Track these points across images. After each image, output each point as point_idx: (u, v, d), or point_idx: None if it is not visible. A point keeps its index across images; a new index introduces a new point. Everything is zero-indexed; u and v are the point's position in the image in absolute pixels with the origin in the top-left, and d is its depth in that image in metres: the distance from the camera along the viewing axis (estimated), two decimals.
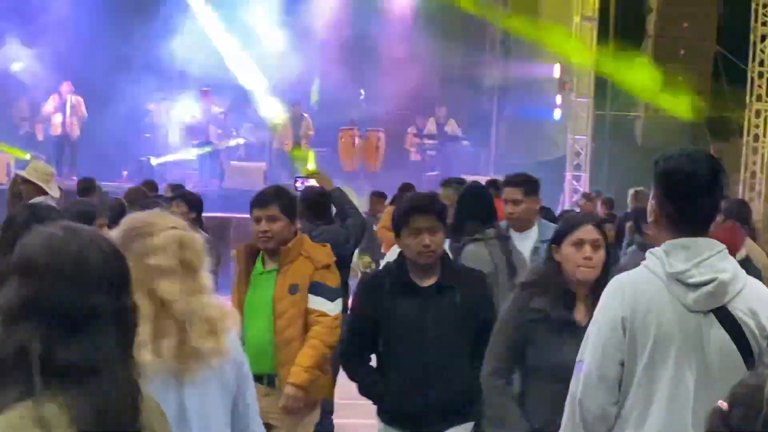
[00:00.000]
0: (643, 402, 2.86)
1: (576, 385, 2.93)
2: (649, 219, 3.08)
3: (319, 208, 6.38)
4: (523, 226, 5.51)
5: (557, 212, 12.40)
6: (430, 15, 17.55)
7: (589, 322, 3.34)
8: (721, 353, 2.85)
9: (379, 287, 4.32)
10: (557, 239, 3.92)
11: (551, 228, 5.77)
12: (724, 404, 2.03)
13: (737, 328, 2.89)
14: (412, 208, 4.31)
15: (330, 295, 4.80)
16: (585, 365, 2.95)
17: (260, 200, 4.90)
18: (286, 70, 16.64)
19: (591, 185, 16.25)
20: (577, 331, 3.59)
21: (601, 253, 3.86)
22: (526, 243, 5.48)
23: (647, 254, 3.00)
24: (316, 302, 4.61)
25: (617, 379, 2.88)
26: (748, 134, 16.87)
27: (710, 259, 2.86)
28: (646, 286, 2.89)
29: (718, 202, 3.08)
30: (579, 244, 3.82)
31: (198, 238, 2.85)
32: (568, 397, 2.98)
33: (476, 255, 5.39)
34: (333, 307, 4.66)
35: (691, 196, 2.90)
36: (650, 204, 3.03)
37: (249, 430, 2.95)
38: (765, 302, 2.95)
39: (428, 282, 4.33)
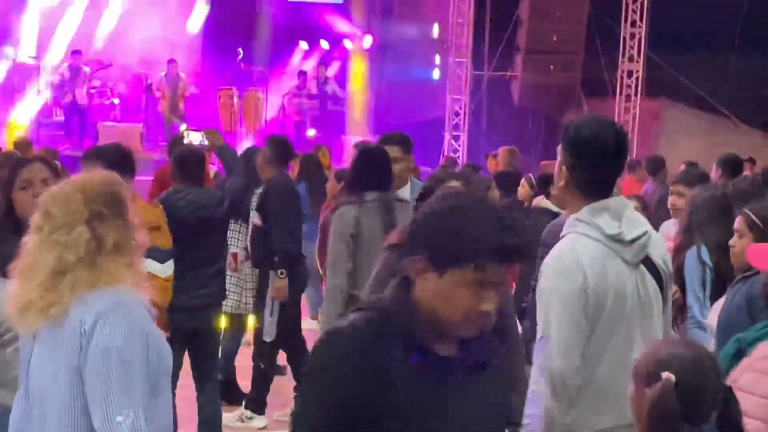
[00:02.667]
0: (599, 353, 2.96)
1: (548, 359, 2.94)
2: (559, 183, 3.17)
3: (189, 169, 5.91)
4: (399, 184, 5.55)
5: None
6: None
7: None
8: (655, 298, 3.06)
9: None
10: (423, 197, 3.93)
11: (420, 186, 6.05)
12: (672, 377, 2.20)
13: (658, 273, 3.10)
14: None
15: (160, 256, 4.73)
16: (554, 338, 2.96)
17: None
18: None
19: (469, 145, 16.50)
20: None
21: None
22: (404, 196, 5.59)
23: (573, 221, 3.07)
24: (145, 265, 4.25)
25: (584, 342, 2.97)
26: (620, 94, 17.11)
27: (629, 215, 3.05)
28: (595, 252, 2.99)
29: (623, 164, 3.26)
30: None
31: None
32: (540, 371, 2.97)
33: (341, 216, 5.33)
34: (162, 269, 4.63)
35: (601, 161, 3.03)
36: (560, 169, 3.11)
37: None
38: (663, 246, 3.29)
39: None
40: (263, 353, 6.48)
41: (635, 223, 3.10)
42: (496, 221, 2.07)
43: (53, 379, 2.78)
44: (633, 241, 3.02)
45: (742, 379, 2.85)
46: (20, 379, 2.93)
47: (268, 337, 6.34)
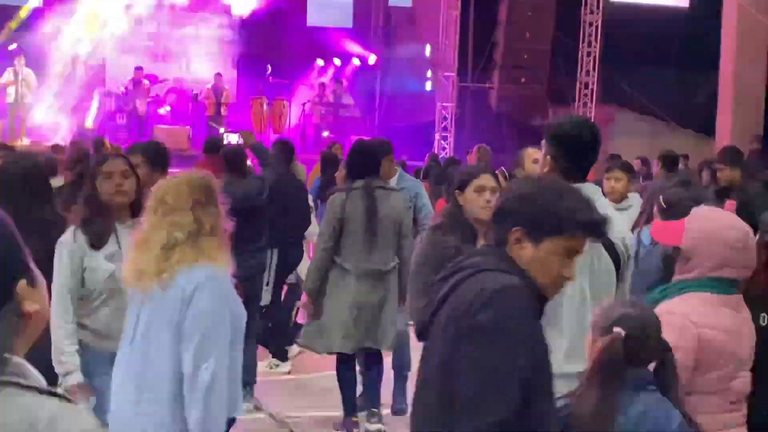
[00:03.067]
0: (559, 313, 2.93)
1: None
2: (544, 170, 3.16)
3: (235, 163, 6.11)
4: (387, 175, 5.88)
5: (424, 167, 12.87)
6: None
7: None
8: (606, 272, 3.01)
9: None
10: (462, 185, 3.88)
11: (405, 177, 6.51)
12: (622, 332, 2.28)
13: (615, 251, 3.06)
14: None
15: None
16: None
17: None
18: None
19: (455, 144, 16.37)
20: None
21: (496, 197, 3.82)
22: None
23: None
24: None
25: None
26: (579, 101, 17.18)
27: (596, 199, 2.96)
28: None
29: (596, 155, 3.17)
30: (481, 190, 3.85)
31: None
32: None
33: (331, 202, 5.49)
34: None
35: (579, 153, 3.06)
36: (544, 159, 3.13)
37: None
38: (625, 230, 3.20)
39: None
40: (269, 315, 6.57)
41: (600, 207, 2.91)
42: (584, 201, 2.18)
43: (157, 330, 2.89)
44: None
45: None
46: (127, 330, 3.00)
47: (263, 302, 6.33)
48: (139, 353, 2.87)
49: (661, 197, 4.28)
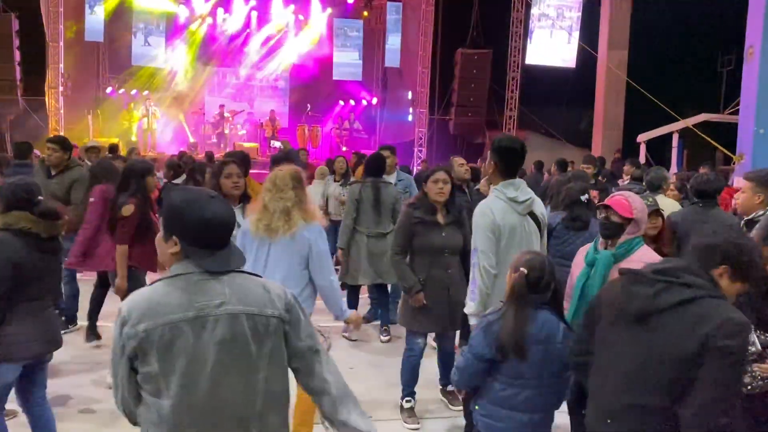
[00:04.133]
0: (501, 260, 3.06)
1: (478, 259, 3.04)
2: (489, 171, 3.22)
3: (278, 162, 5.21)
4: (389, 171, 5.86)
5: (412, 168, 13.13)
6: None
7: (445, 222, 3.77)
8: (534, 235, 3.13)
9: None
10: (426, 179, 3.85)
11: (402, 174, 6.32)
12: (524, 271, 2.34)
13: (537, 221, 3.16)
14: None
15: None
16: (480, 249, 3.06)
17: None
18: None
19: (427, 155, 17.01)
20: (439, 228, 3.78)
21: (449, 186, 3.82)
22: (390, 180, 5.73)
23: (494, 190, 3.13)
24: None
25: (494, 251, 3.06)
26: (506, 128, 17.89)
27: (522, 189, 3.13)
28: (500, 205, 3.08)
29: (523, 162, 3.19)
30: (435, 181, 3.82)
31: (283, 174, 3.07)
32: (474, 268, 3.06)
33: (351, 190, 5.40)
34: None
35: (514, 160, 3.12)
36: (489, 164, 3.18)
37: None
38: (542, 205, 3.19)
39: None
40: None
41: (525, 193, 3.13)
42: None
43: (288, 263, 3.03)
44: (522, 202, 3.09)
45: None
46: (256, 264, 3.05)
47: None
48: (271, 275, 2.88)
49: (564, 188, 4.20)
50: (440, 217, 3.77)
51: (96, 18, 15.14)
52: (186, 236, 1.71)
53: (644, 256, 2.63)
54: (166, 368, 1.62)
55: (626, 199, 2.76)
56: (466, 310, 3.08)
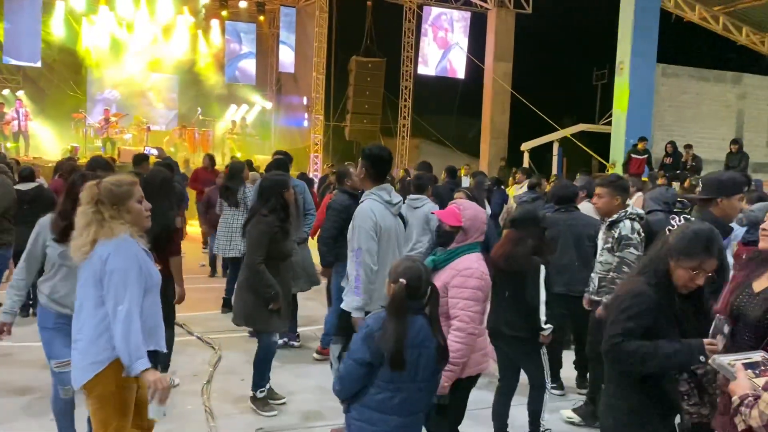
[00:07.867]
0: (382, 258, 3.16)
1: (362, 258, 3.13)
2: (360, 176, 3.28)
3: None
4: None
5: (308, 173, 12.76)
6: None
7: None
8: (402, 235, 3.31)
9: None
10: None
11: (296, 180, 5.68)
12: (404, 281, 2.29)
13: (404, 221, 3.39)
14: None
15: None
16: (364, 248, 3.11)
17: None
18: None
19: (323, 161, 16.76)
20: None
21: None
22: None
23: (368, 194, 3.23)
24: None
25: (375, 250, 3.18)
26: (399, 135, 18.52)
27: (393, 192, 3.27)
28: (379, 207, 3.20)
29: (391, 168, 3.31)
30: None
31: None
32: (357, 264, 3.16)
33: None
34: None
35: (383, 166, 3.25)
36: (361, 169, 3.25)
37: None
38: (433, 207, 3.33)
39: None
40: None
41: (396, 197, 3.28)
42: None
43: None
44: (395, 204, 3.25)
45: (453, 281, 2.70)
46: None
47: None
48: (78, 307, 2.58)
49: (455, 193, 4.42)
50: None
51: None
52: None
53: (460, 264, 2.68)
54: None
55: (458, 208, 2.81)
56: (347, 306, 3.11)
